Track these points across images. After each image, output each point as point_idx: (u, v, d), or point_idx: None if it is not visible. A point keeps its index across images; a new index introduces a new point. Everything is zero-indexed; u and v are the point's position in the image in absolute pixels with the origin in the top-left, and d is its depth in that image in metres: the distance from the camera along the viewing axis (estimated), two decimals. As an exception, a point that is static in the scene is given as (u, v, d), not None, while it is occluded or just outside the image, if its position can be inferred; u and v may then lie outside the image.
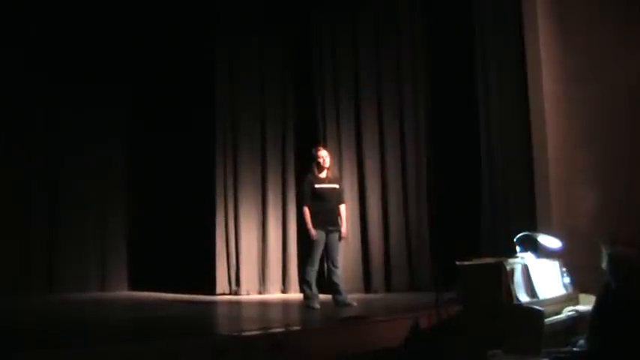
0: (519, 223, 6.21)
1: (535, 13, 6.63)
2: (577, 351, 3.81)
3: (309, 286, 6.58)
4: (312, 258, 6.56)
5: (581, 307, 4.69)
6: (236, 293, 8.54)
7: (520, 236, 5.16)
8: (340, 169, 8.33)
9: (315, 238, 6.52)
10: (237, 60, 8.99)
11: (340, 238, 6.71)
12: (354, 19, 8.57)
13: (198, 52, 9.11)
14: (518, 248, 5.12)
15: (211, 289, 8.53)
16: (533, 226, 6.10)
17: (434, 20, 8.03)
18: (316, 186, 6.65)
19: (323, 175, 6.73)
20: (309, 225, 6.54)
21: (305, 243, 6.76)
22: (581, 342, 3.84)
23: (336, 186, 6.81)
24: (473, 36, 7.36)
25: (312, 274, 6.60)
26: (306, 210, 6.60)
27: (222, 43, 9.02)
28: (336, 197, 6.75)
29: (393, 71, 8.28)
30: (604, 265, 3.75)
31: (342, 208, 6.78)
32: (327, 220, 6.60)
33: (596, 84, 6.37)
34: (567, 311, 4.63)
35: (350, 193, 8.28)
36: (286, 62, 9.03)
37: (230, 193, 8.79)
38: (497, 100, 7.11)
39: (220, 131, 8.90)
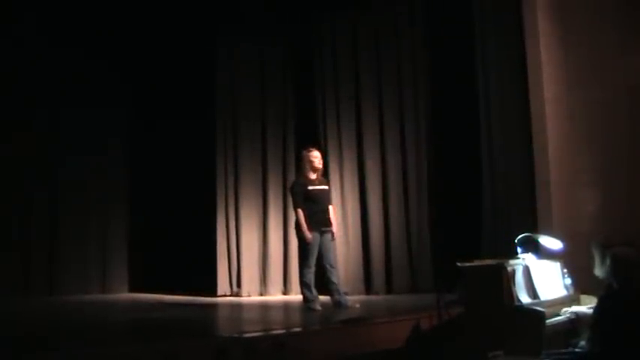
0: (520, 225, 6.20)
1: (535, 16, 6.63)
2: (578, 352, 3.82)
3: (309, 289, 6.57)
4: (309, 260, 6.53)
5: (577, 308, 4.70)
6: (237, 295, 8.56)
7: (521, 237, 5.16)
8: (341, 170, 8.37)
9: (310, 241, 6.50)
10: (237, 60, 9.02)
11: (333, 237, 6.71)
12: (355, 21, 8.58)
13: (199, 52, 9.13)
14: (519, 249, 5.13)
15: (212, 291, 8.54)
16: (535, 228, 6.10)
17: (434, 23, 8.03)
18: (309, 188, 6.63)
19: (314, 176, 6.73)
20: (304, 228, 6.50)
21: (300, 245, 6.72)
22: (582, 343, 3.85)
23: (326, 187, 6.85)
24: (473, 39, 7.36)
25: (310, 276, 6.58)
26: (301, 213, 6.54)
27: (222, 43, 9.05)
28: (327, 198, 6.77)
29: (394, 74, 8.27)
30: (596, 270, 3.76)
31: (331, 208, 6.79)
32: (320, 221, 6.59)
33: (597, 85, 6.38)
34: (564, 313, 4.63)
35: (351, 194, 8.31)
36: (286, 62, 9.03)
37: (231, 194, 8.81)
38: (497, 103, 7.11)
39: (221, 131, 8.93)
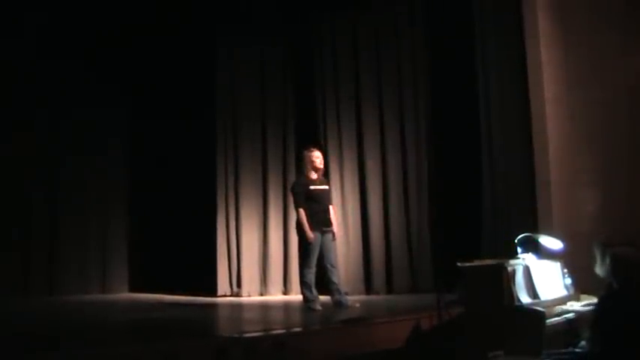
0: (520, 225, 6.20)
1: (536, 16, 6.63)
2: (578, 352, 3.82)
3: (309, 289, 6.57)
4: (310, 260, 6.53)
5: (572, 306, 4.70)
6: (237, 295, 8.55)
7: (521, 237, 5.16)
8: (341, 170, 8.37)
9: (312, 240, 6.50)
10: (237, 60, 9.02)
11: (334, 237, 6.72)
12: (355, 21, 8.57)
13: (199, 52, 9.13)
14: (519, 249, 5.13)
15: (212, 291, 8.54)
16: (535, 228, 6.10)
17: (434, 23, 8.02)
18: (311, 188, 6.64)
19: (315, 176, 6.73)
20: (307, 227, 6.50)
21: (302, 245, 6.72)
22: (583, 343, 3.85)
23: (327, 187, 6.88)
24: (473, 39, 7.36)
25: (311, 277, 6.58)
26: (302, 213, 6.54)
27: (222, 43, 9.05)
28: (328, 198, 6.79)
29: (394, 74, 8.27)
30: (597, 269, 3.76)
31: (331, 208, 6.80)
32: (321, 221, 6.59)
33: (597, 85, 6.38)
34: (558, 309, 4.63)
35: (351, 194, 8.30)
36: (286, 62, 9.03)
37: (231, 194, 8.81)
38: (498, 103, 7.10)
39: (221, 131, 8.93)
